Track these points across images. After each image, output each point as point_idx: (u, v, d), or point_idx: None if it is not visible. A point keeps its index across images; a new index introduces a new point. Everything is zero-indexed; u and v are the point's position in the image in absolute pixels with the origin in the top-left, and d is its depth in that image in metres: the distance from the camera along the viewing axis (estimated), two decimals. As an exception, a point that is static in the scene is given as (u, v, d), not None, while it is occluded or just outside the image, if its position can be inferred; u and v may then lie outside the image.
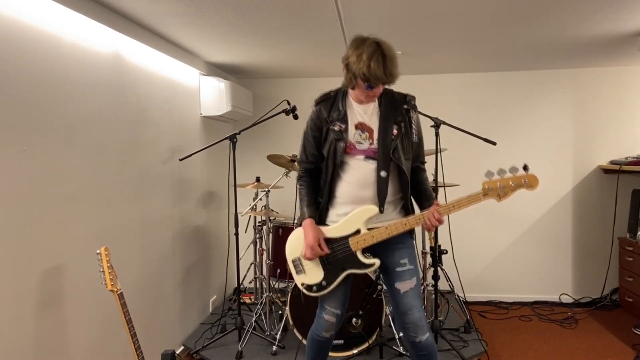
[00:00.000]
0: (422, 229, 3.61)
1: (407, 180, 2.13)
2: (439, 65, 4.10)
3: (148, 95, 2.93)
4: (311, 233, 2.12)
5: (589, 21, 2.81)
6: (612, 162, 4.20)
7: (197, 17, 2.60)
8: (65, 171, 2.13)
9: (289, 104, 3.26)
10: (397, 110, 2.12)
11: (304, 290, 2.21)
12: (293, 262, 2.23)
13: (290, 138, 4.43)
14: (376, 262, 2.10)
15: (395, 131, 2.09)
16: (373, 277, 3.02)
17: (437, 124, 3.18)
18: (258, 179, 3.67)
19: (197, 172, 3.75)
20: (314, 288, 2.18)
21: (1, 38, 1.79)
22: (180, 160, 3.22)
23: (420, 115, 3.19)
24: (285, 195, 4.07)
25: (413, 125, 2.15)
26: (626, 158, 4.09)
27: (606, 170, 4.30)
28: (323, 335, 2.24)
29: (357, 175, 2.09)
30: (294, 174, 3.57)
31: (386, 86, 2.08)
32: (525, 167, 1.97)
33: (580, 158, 4.35)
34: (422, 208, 2.15)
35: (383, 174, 2.07)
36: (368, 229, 2.09)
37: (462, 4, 2.49)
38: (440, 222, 2.04)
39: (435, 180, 3.20)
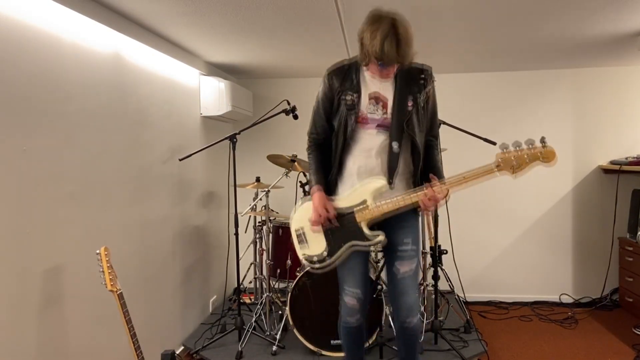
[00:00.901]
0: (422, 229, 3.61)
1: (420, 154, 2.08)
2: (439, 65, 4.09)
3: (148, 95, 2.93)
4: (317, 199, 2.08)
5: (588, 21, 2.81)
6: (612, 162, 4.20)
7: (197, 17, 2.60)
8: (65, 171, 2.14)
9: (289, 104, 3.26)
10: (413, 81, 2.05)
11: (305, 262, 2.16)
12: (297, 232, 2.19)
13: (290, 138, 4.43)
14: (381, 235, 2.04)
15: (410, 103, 2.03)
16: (373, 276, 3.02)
17: (437, 124, 3.18)
18: (258, 179, 3.67)
19: (197, 172, 3.75)
20: (315, 258, 2.13)
21: (1, 38, 1.79)
22: (180, 160, 3.22)
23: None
24: (285, 195, 4.06)
25: (429, 97, 2.09)
26: (626, 158, 4.09)
27: (606, 170, 4.30)
28: (348, 321, 2.19)
29: (368, 147, 2.05)
30: (294, 174, 3.59)
31: None
32: (542, 140, 1.88)
33: (580, 158, 4.35)
34: None
35: (395, 145, 2.02)
36: (376, 201, 2.03)
37: (461, 5, 2.49)
38: (436, 200, 1.95)
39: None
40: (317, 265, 2.14)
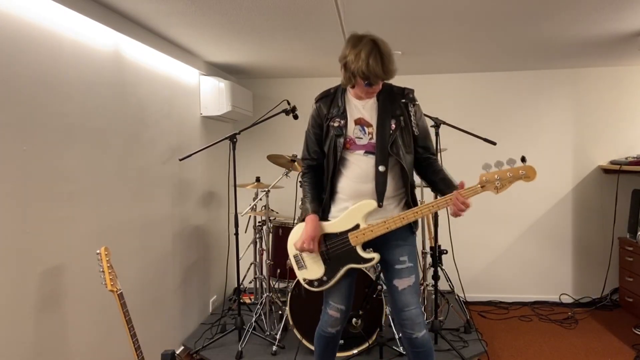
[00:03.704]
0: (422, 229, 3.61)
1: (408, 174, 2.12)
2: (439, 65, 4.10)
3: (148, 95, 2.93)
4: (310, 227, 2.13)
5: (588, 21, 2.81)
6: (612, 162, 4.20)
7: (197, 17, 2.60)
8: (65, 171, 2.13)
9: (289, 104, 3.27)
10: (395, 104, 2.11)
11: (306, 286, 2.22)
12: (295, 257, 2.23)
13: (290, 138, 4.43)
14: (376, 256, 2.10)
15: (393, 125, 2.08)
16: (373, 276, 3.02)
17: (437, 124, 3.18)
18: (258, 179, 3.67)
19: (197, 172, 3.75)
20: (315, 283, 2.19)
21: (1, 37, 1.79)
22: (180, 160, 3.22)
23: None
24: (285, 195, 4.06)
25: (413, 119, 2.12)
26: (626, 158, 4.08)
27: (606, 170, 4.29)
28: (328, 331, 2.24)
29: (358, 170, 2.10)
30: (294, 174, 3.58)
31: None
32: (522, 159, 1.95)
33: (580, 158, 4.35)
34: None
35: (381, 168, 2.07)
36: (368, 224, 2.08)
37: (461, 5, 2.49)
38: (466, 205, 1.98)
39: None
40: (316, 289, 2.21)
